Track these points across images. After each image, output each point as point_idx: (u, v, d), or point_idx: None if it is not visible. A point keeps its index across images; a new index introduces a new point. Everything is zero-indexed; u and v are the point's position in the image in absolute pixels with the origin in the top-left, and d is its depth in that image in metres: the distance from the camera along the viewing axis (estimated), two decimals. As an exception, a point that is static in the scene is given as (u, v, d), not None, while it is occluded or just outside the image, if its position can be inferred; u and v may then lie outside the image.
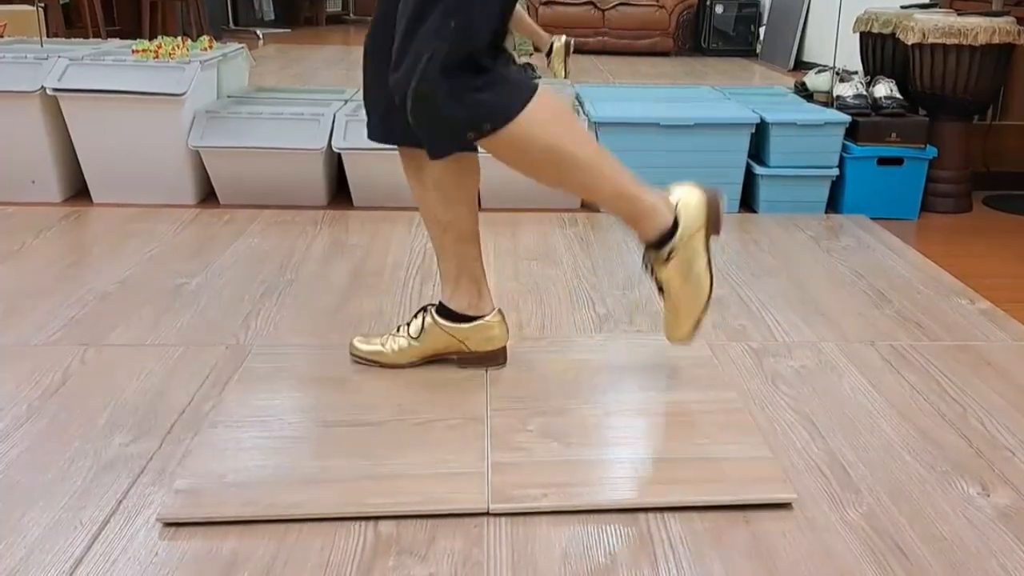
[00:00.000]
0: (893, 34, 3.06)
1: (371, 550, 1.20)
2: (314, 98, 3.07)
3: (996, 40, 2.78)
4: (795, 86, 3.41)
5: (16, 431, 1.47)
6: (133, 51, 2.88)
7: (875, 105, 2.90)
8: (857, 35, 3.31)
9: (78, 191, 2.86)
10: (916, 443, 1.50)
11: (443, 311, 1.64)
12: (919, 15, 2.94)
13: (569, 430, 1.47)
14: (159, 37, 3.15)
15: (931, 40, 2.83)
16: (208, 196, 2.86)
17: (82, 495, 1.31)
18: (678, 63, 5.87)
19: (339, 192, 2.93)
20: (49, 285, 2.11)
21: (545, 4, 6.20)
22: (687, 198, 1.54)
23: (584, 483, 1.33)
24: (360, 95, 3.27)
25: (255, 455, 1.38)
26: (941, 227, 2.83)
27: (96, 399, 1.58)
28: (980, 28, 2.78)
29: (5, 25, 3.94)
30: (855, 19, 3.30)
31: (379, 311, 2.00)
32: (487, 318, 1.65)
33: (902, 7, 3.28)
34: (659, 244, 1.53)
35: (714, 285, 1.59)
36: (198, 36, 3.45)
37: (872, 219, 2.80)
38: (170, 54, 2.86)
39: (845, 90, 2.97)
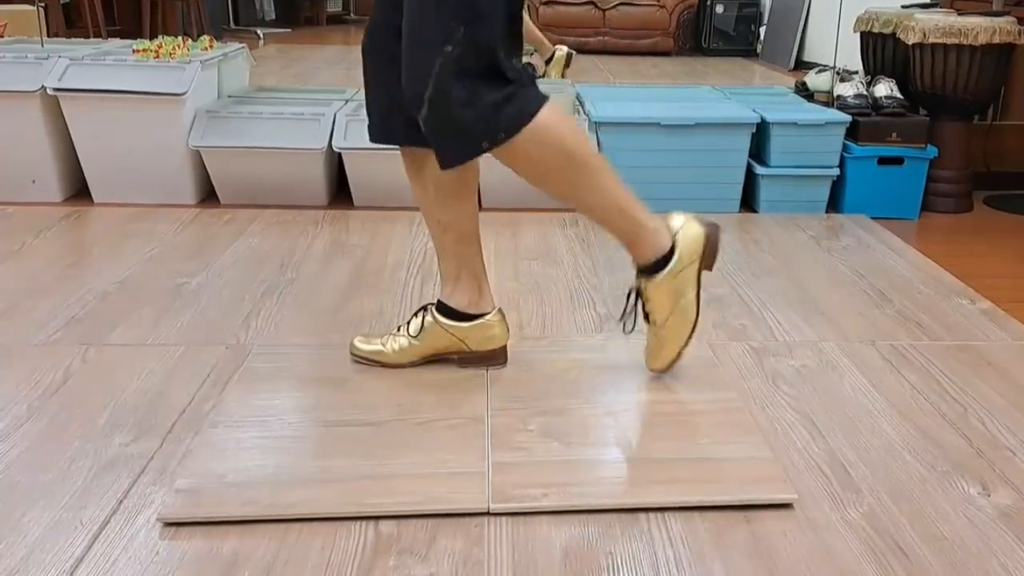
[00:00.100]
0: (894, 34, 3.06)
1: (371, 550, 1.20)
2: (315, 98, 3.07)
3: (997, 40, 2.78)
4: (796, 86, 3.40)
5: (16, 431, 1.47)
6: (133, 51, 2.88)
7: (876, 105, 2.90)
8: (858, 35, 3.31)
9: (78, 191, 2.86)
10: (917, 443, 1.50)
11: (443, 309, 1.64)
12: (920, 15, 2.94)
13: (570, 430, 1.47)
14: (159, 37, 3.15)
15: (932, 40, 2.83)
16: (208, 196, 2.86)
17: (82, 495, 1.31)
18: (679, 63, 5.87)
19: (339, 192, 2.92)
20: (49, 285, 2.11)
21: (546, 4, 6.20)
22: (687, 228, 1.55)
23: (584, 483, 1.33)
24: (360, 95, 3.28)
25: (255, 455, 1.38)
26: (942, 227, 2.82)
27: (96, 399, 1.58)
28: (981, 28, 2.78)
29: (5, 25, 3.95)
30: (856, 19, 3.29)
31: (379, 311, 2.00)
32: (487, 317, 1.65)
33: (903, 7, 3.28)
34: (654, 269, 1.54)
35: (699, 317, 1.60)
36: (198, 36, 3.46)
37: (873, 219, 2.80)
38: (170, 54, 2.86)
39: (846, 90, 2.97)
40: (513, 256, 2.39)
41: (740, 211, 2.87)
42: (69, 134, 2.76)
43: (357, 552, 1.20)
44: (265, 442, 1.42)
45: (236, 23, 7.35)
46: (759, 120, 2.82)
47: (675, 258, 1.54)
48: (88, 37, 4.67)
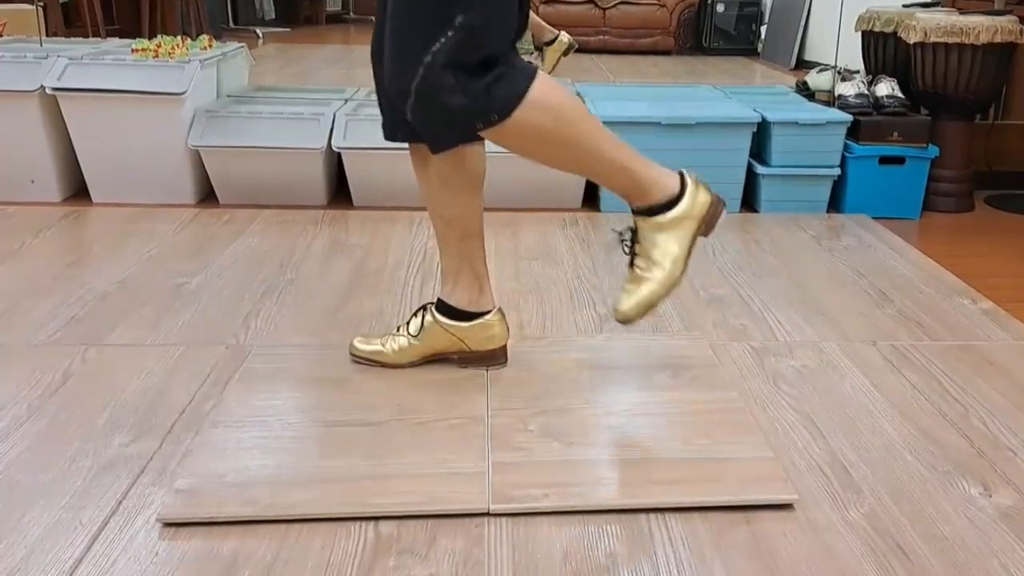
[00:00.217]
0: (895, 33, 3.06)
1: (371, 550, 1.20)
2: (314, 97, 3.07)
3: (998, 39, 2.78)
4: (796, 85, 3.40)
5: (16, 431, 1.47)
6: (132, 50, 2.87)
7: (877, 104, 2.90)
8: (859, 34, 3.31)
9: (77, 191, 2.86)
10: (918, 443, 1.50)
11: (443, 308, 1.64)
12: (921, 14, 2.93)
13: (570, 430, 1.47)
14: (159, 36, 3.15)
15: (933, 39, 2.83)
16: (208, 196, 2.85)
17: (82, 495, 1.30)
18: (679, 62, 5.87)
19: (339, 192, 2.92)
20: (49, 285, 2.10)
21: (546, 2, 6.20)
22: (699, 188, 1.55)
23: (585, 483, 1.33)
24: (360, 95, 3.27)
25: (255, 455, 1.38)
26: (943, 226, 2.82)
27: (96, 399, 1.58)
28: (982, 27, 2.77)
29: (4, 24, 3.94)
30: (857, 18, 3.29)
31: (379, 311, 2.00)
32: (487, 317, 1.64)
33: (904, 6, 3.28)
34: (657, 210, 1.51)
35: (682, 278, 1.55)
36: (198, 35, 3.45)
37: (874, 219, 2.80)
38: (170, 53, 2.86)
39: (847, 89, 2.97)
40: (513, 256, 2.39)
41: (741, 211, 2.87)
42: (68, 134, 2.76)
43: (357, 552, 1.20)
44: (265, 442, 1.41)
45: (235, 22, 7.34)
46: (760, 119, 2.81)
47: (683, 203, 1.52)
48: (87, 36, 4.67)
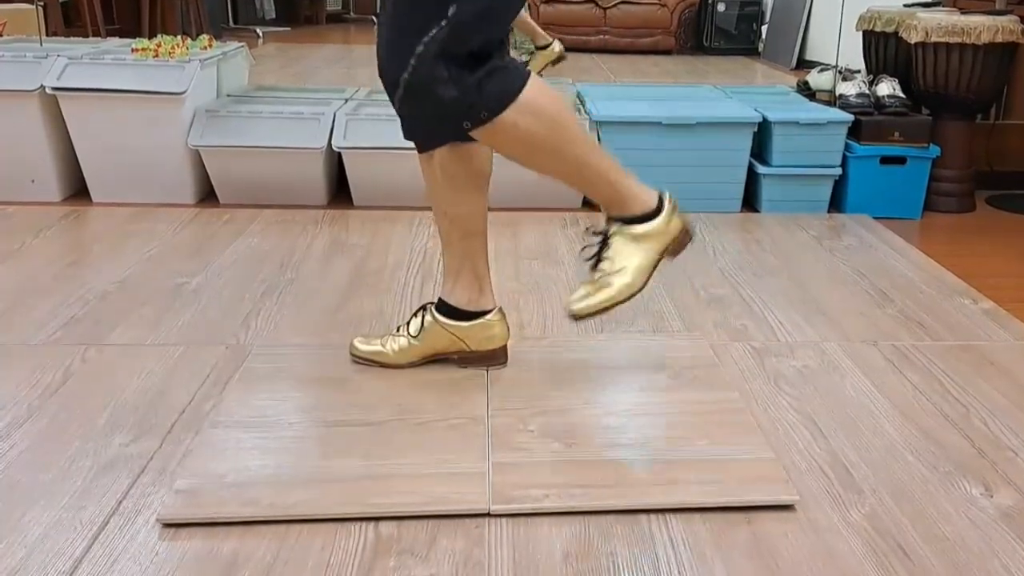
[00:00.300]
0: (896, 33, 3.05)
1: (372, 550, 1.20)
2: (314, 97, 3.07)
3: (1000, 39, 2.78)
4: (797, 85, 3.40)
5: (16, 431, 1.47)
6: (132, 50, 2.87)
7: (878, 104, 2.89)
8: (860, 34, 3.30)
9: (77, 190, 2.86)
10: (919, 443, 1.49)
11: (443, 308, 1.64)
12: (922, 13, 2.93)
13: (570, 430, 1.47)
14: (159, 36, 3.15)
15: (934, 39, 2.82)
16: (208, 195, 2.85)
17: (82, 495, 1.30)
18: (680, 62, 5.87)
19: (339, 191, 2.92)
20: (49, 285, 2.10)
21: (546, 2, 6.19)
22: (673, 213, 1.56)
23: (585, 484, 1.33)
24: (360, 94, 3.27)
25: (255, 455, 1.38)
26: (944, 227, 2.82)
27: (96, 399, 1.58)
28: (983, 27, 2.77)
29: (4, 24, 3.94)
30: (858, 17, 3.29)
31: (379, 311, 2.00)
32: (488, 317, 1.64)
33: (905, 5, 3.27)
34: (639, 220, 1.53)
35: (641, 291, 1.57)
36: (198, 35, 3.45)
37: (875, 218, 2.79)
38: (170, 53, 2.86)
39: (848, 89, 2.96)
40: (513, 256, 2.39)
41: (742, 211, 2.86)
42: (68, 133, 2.75)
43: (357, 552, 1.19)
44: (265, 442, 1.41)
45: (235, 22, 7.34)
46: (761, 119, 2.81)
47: (659, 219, 1.53)
48: (87, 36, 4.67)
